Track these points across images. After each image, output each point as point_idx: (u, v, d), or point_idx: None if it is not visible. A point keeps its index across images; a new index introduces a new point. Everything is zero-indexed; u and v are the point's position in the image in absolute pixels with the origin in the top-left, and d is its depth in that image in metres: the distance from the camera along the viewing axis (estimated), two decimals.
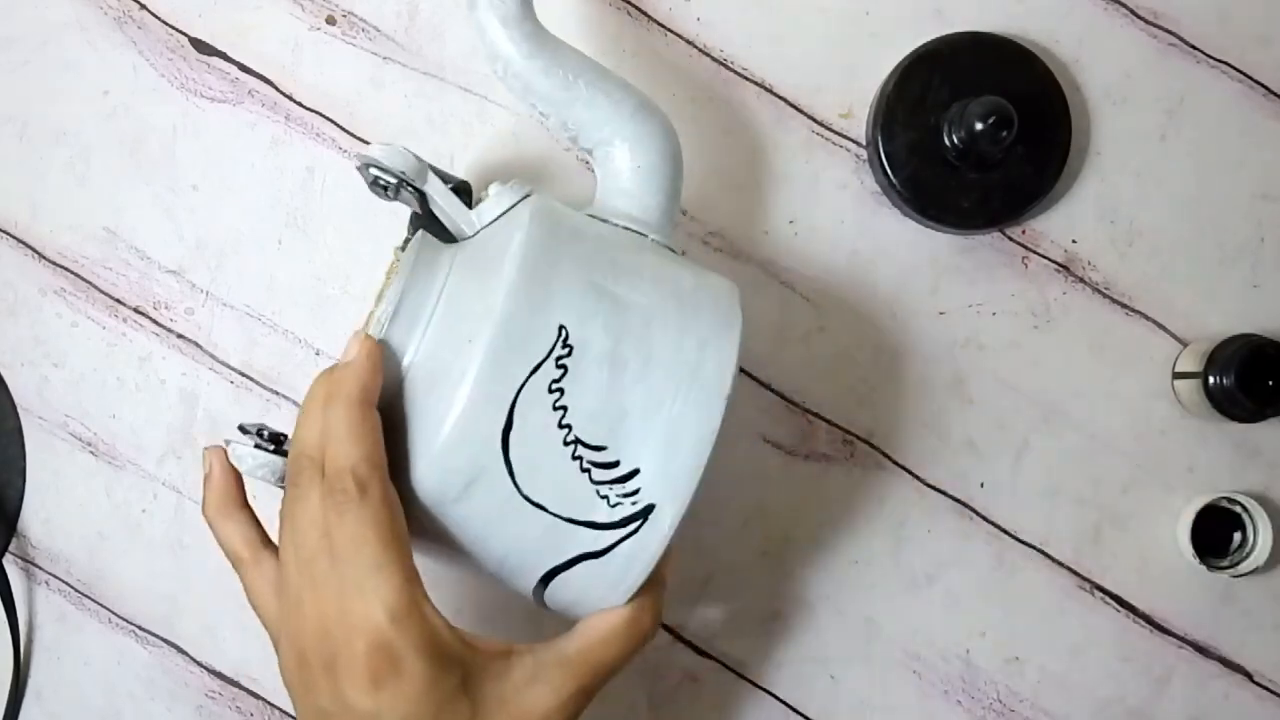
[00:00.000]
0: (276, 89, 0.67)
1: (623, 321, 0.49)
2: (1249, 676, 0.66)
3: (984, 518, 0.66)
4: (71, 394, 0.67)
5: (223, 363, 0.67)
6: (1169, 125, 0.66)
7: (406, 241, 0.57)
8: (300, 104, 0.67)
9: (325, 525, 0.47)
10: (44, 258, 0.67)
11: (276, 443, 0.53)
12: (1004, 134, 0.60)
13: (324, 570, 0.47)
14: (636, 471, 0.48)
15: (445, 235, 0.55)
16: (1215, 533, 0.64)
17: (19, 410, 0.67)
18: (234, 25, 0.67)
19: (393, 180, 0.53)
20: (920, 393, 0.66)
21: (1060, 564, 0.66)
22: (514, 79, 0.54)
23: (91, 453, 0.67)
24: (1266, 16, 0.66)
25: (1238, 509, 0.64)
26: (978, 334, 0.66)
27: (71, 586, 0.67)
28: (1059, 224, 0.66)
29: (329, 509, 0.47)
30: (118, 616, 0.67)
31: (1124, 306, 0.66)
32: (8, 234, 0.67)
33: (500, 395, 0.47)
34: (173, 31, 0.67)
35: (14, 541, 0.67)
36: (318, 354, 0.67)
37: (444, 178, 0.55)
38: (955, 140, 0.62)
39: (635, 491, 0.49)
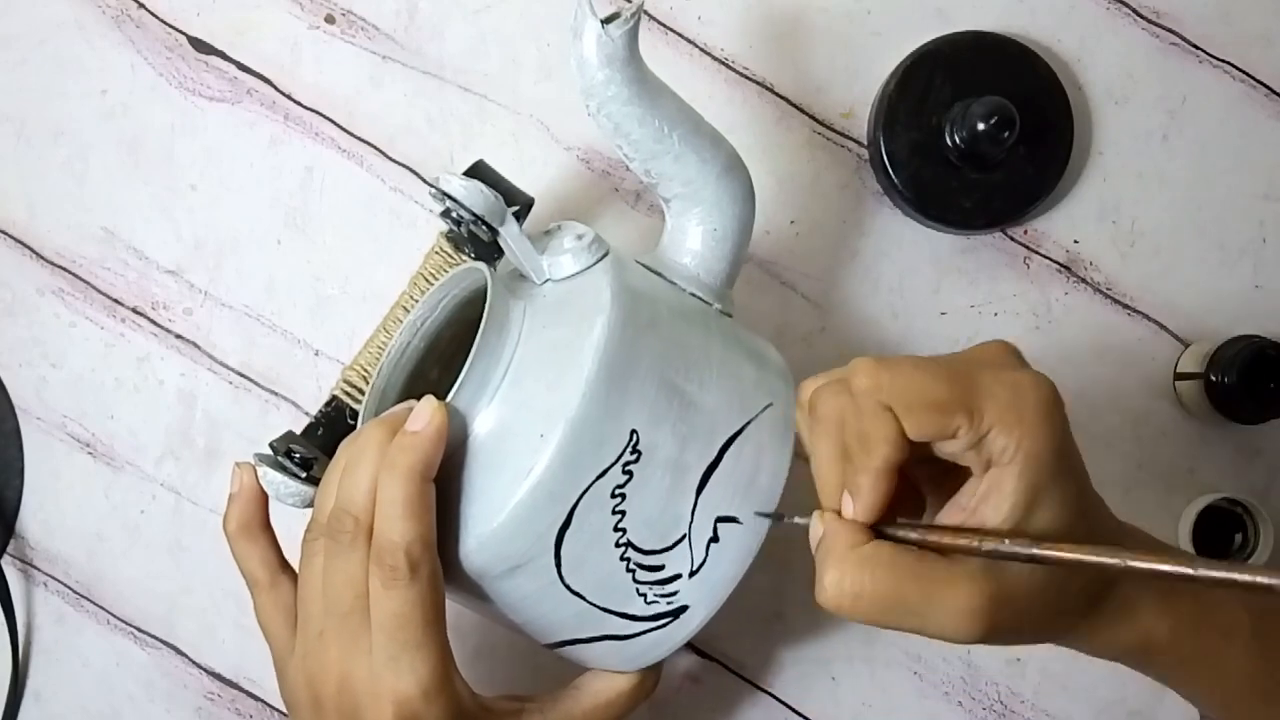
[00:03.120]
0: (275, 88, 0.67)
1: (691, 425, 0.48)
2: None
3: None
4: (70, 394, 0.67)
5: (221, 363, 0.67)
6: (1171, 125, 0.66)
7: (446, 235, 0.57)
8: (299, 103, 0.67)
9: (366, 590, 0.47)
10: (42, 258, 0.67)
11: (307, 468, 0.52)
12: (1006, 134, 0.60)
13: (356, 629, 0.47)
14: (679, 575, 0.49)
15: (490, 251, 0.55)
16: (1217, 534, 0.64)
17: (17, 411, 0.67)
18: (233, 24, 0.67)
19: (467, 217, 0.52)
20: None
21: None
22: (605, 119, 0.51)
23: (90, 453, 0.67)
24: (1268, 16, 0.66)
25: (1239, 510, 0.64)
26: (979, 334, 0.66)
27: (70, 588, 0.67)
28: (1061, 224, 0.66)
29: (374, 577, 0.47)
30: (116, 618, 0.67)
31: (1126, 307, 0.66)
32: (5, 234, 0.67)
33: (563, 495, 0.47)
34: (171, 30, 0.67)
35: (12, 543, 0.67)
36: (317, 354, 0.66)
37: (510, 196, 0.54)
38: (957, 140, 0.62)
39: (674, 593, 0.49)
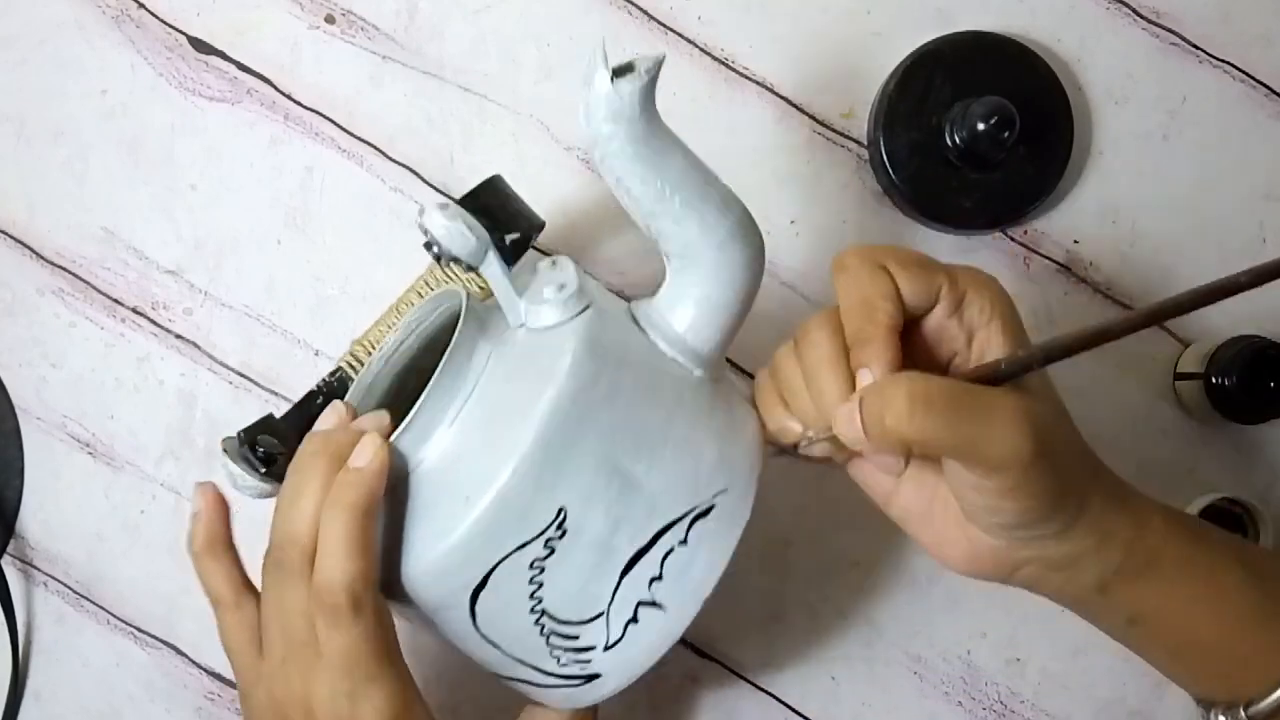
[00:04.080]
0: (275, 88, 0.67)
1: (627, 508, 0.47)
2: None
3: None
4: (70, 394, 0.67)
5: (221, 363, 0.67)
6: (1171, 125, 0.66)
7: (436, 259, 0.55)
8: (299, 103, 0.67)
9: (316, 624, 0.47)
10: (42, 257, 0.67)
11: (269, 463, 0.52)
12: (1006, 134, 0.60)
13: (314, 658, 0.47)
14: (594, 647, 0.49)
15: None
16: None
17: (17, 411, 0.67)
18: (232, 24, 0.67)
19: (446, 254, 0.50)
20: None
21: None
22: (607, 171, 0.49)
23: (90, 453, 0.67)
24: (1268, 16, 0.66)
25: (1239, 510, 0.64)
26: None
27: (70, 588, 0.67)
28: (1061, 224, 0.66)
29: (319, 615, 0.47)
30: (116, 618, 0.67)
31: (1126, 307, 0.66)
32: (5, 234, 0.67)
33: (480, 559, 0.47)
34: (171, 30, 0.67)
35: (12, 543, 0.67)
36: (317, 354, 0.66)
37: (514, 221, 0.53)
38: (957, 140, 0.62)
39: (588, 661, 0.49)
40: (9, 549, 0.67)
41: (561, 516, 0.46)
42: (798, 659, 0.66)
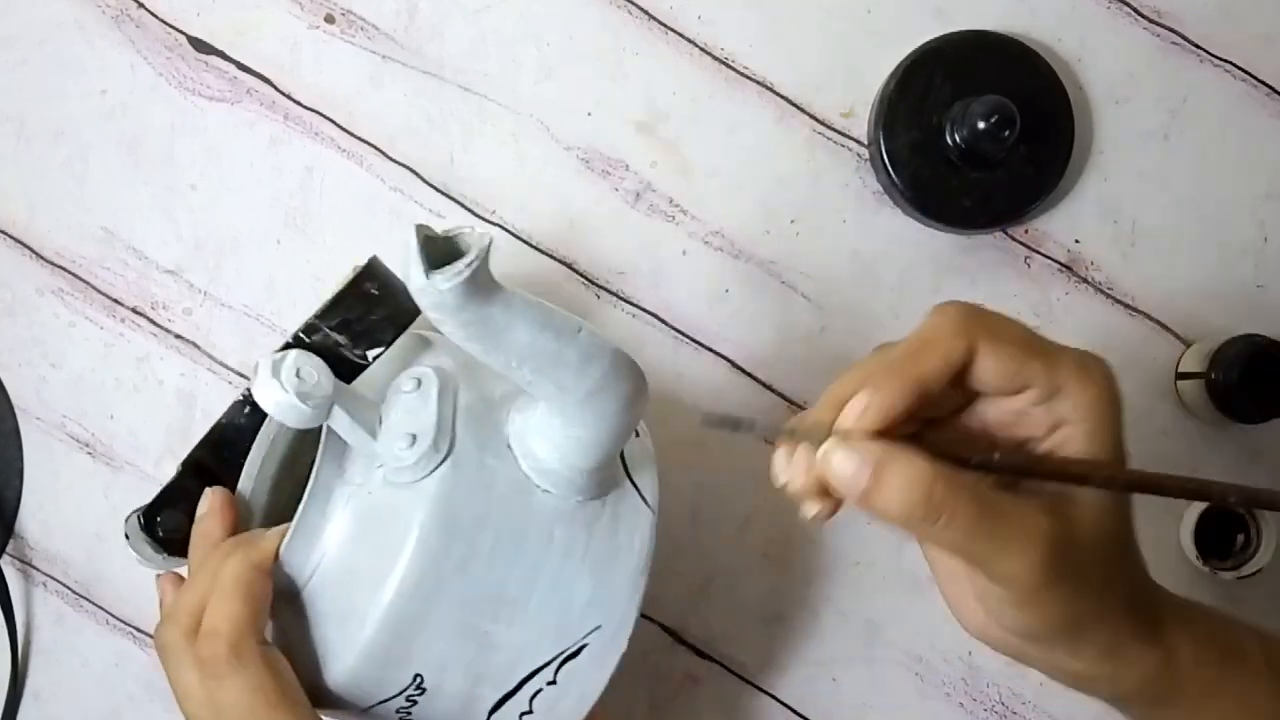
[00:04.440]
0: (275, 88, 0.67)
1: (488, 665, 0.48)
2: None
3: None
4: (69, 394, 0.67)
5: (221, 363, 0.66)
6: (1172, 125, 0.66)
7: (326, 307, 0.52)
8: (299, 103, 0.66)
9: (206, 694, 0.47)
10: (41, 257, 0.67)
11: (171, 542, 0.53)
12: (1006, 133, 0.60)
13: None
14: None
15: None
16: (1219, 534, 0.64)
17: (16, 411, 0.67)
18: (232, 24, 0.67)
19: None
20: None
21: None
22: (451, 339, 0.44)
23: (89, 453, 0.67)
24: (1269, 16, 0.66)
25: (1241, 510, 0.64)
26: None
27: (69, 588, 0.66)
28: (1061, 224, 0.66)
29: (205, 672, 0.47)
30: (116, 618, 0.66)
31: (1127, 307, 0.66)
32: (5, 233, 0.67)
33: (350, 703, 0.48)
34: (171, 30, 0.67)
35: (12, 543, 0.66)
36: None
37: (380, 329, 0.50)
38: (957, 139, 0.62)
39: None
40: (8, 549, 0.66)
41: (418, 680, 0.47)
42: (798, 659, 0.66)
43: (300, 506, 0.48)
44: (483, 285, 0.41)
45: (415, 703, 0.48)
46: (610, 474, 0.50)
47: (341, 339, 0.50)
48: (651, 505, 0.50)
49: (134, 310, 0.67)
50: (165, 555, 0.53)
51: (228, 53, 0.67)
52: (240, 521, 0.52)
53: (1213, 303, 0.65)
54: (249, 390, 0.52)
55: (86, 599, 0.67)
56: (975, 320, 0.40)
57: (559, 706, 0.49)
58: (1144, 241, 0.66)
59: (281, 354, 0.47)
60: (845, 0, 0.66)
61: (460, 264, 0.40)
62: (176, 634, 0.48)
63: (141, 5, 0.67)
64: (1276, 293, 0.66)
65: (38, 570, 0.67)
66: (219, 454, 0.53)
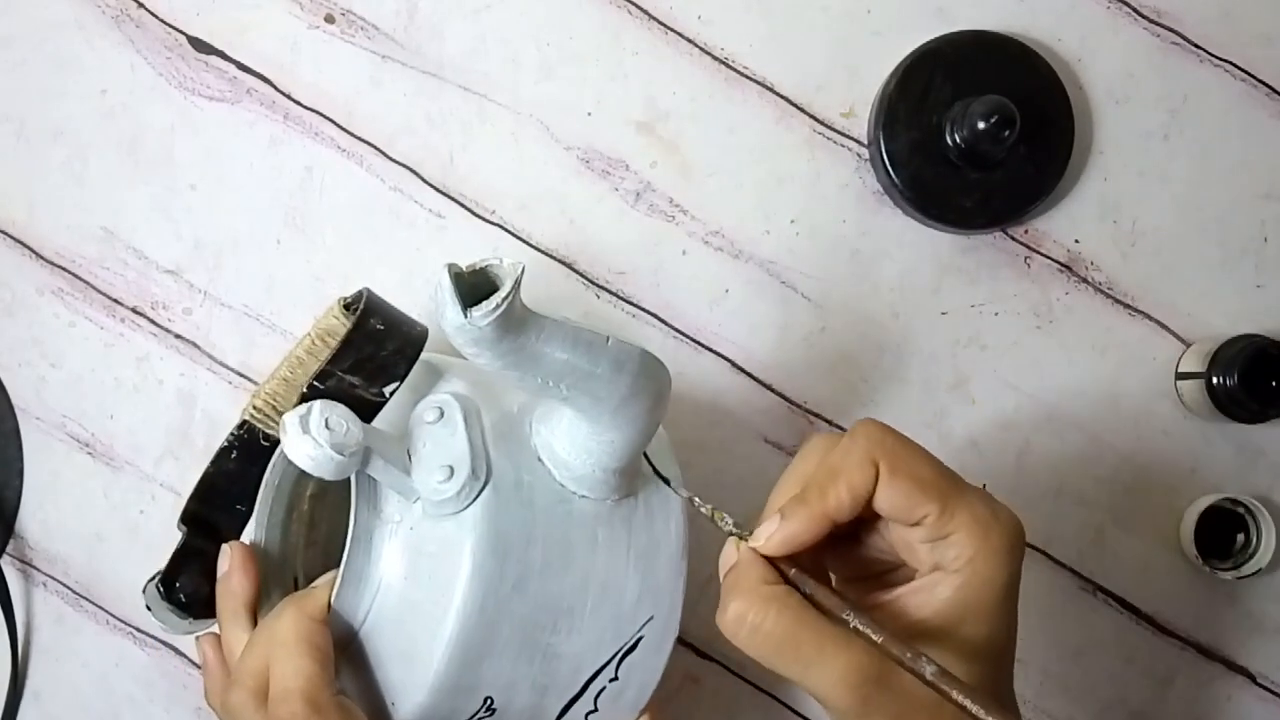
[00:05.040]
0: (275, 88, 0.67)
1: (552, 673, 0.48)
2: (1252, 678, 0.66)
3: None
4: (69, 394, 0.67)
5: (221, 363, 0.66)
6: (1172, 125, 0.66)
7: (342, 304, 0.52)
8: (299, 103, 0.66)
9: None
10: (41, 257, 0.67)
11: (193, 604, 0.54)
12: (1006, 133, 0.60)
13: None
14: None
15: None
16: (1219, 534, 0.64)
17: (16, 411, 0.67)
18: (232, 24, 0.66)
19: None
20: (922, 393, 0.66)
21: (1063, 565, 0.66)
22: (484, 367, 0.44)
23: (89, 453, 0.67)
24: (1269, 16, 0.66)
25: (1241, 510, 0.64)
26: (980, 334, 0.66)
27: (69, 588, 0.66)
28: (1061, 224, 0.66)
29: None
30: (116, 618, 0.66)
31: (1127, 307, 0.66)
32: (5, 233, 0.67)
33: None
34: (171, 30, 0.67)
35: (12, 543, 0.66)
36: None
37: (394, 362, 0.49)
38: (957, 139, 0.62)
39: None
40: (8, 549, 0.66)
41: (488, 703, 0.47)
42: None
43: (344, 554, 0.47)
44: (518, 315, 0.42)
45: None
46: (637, 469, 0.50)
47: (356, 380, 0.49)
48: (679, 490, 0.51)
49: (134, 310, 0.67)
50: (191, 619, 0.54)
51: (227, 53, 0.67)
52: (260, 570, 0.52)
53: (1212, 302, 0.65)
54: (233, 436, 0.53)
55: (86, 599, 0.66)
56: (882, 450, 0.42)
57: (622, 699, 0.50)
58: (1144, 241, 0.66)
59: (305, 407, 0.46)
60: (845, 0, 0.66)
61: (496, 298, 0.40)
62: (244, 697, 0.47)
63: (141, 5, 0.67)
64: (1276, 293, 0.66)
65: (38, 570, 0.67)
66: (214, 504, 0.54)
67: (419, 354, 0.50)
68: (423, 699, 0.46)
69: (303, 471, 0.46)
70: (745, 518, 0.67)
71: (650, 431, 0.48)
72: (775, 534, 0.43)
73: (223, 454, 0.54)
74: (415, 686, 0.47)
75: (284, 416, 0.46)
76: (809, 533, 0.43)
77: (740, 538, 0.45)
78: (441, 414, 0.48)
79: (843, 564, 0.47)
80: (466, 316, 0.40)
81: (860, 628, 0.41)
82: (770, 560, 0.43)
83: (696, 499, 0.48)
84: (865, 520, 0.44)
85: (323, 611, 0.48)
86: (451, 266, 0.40)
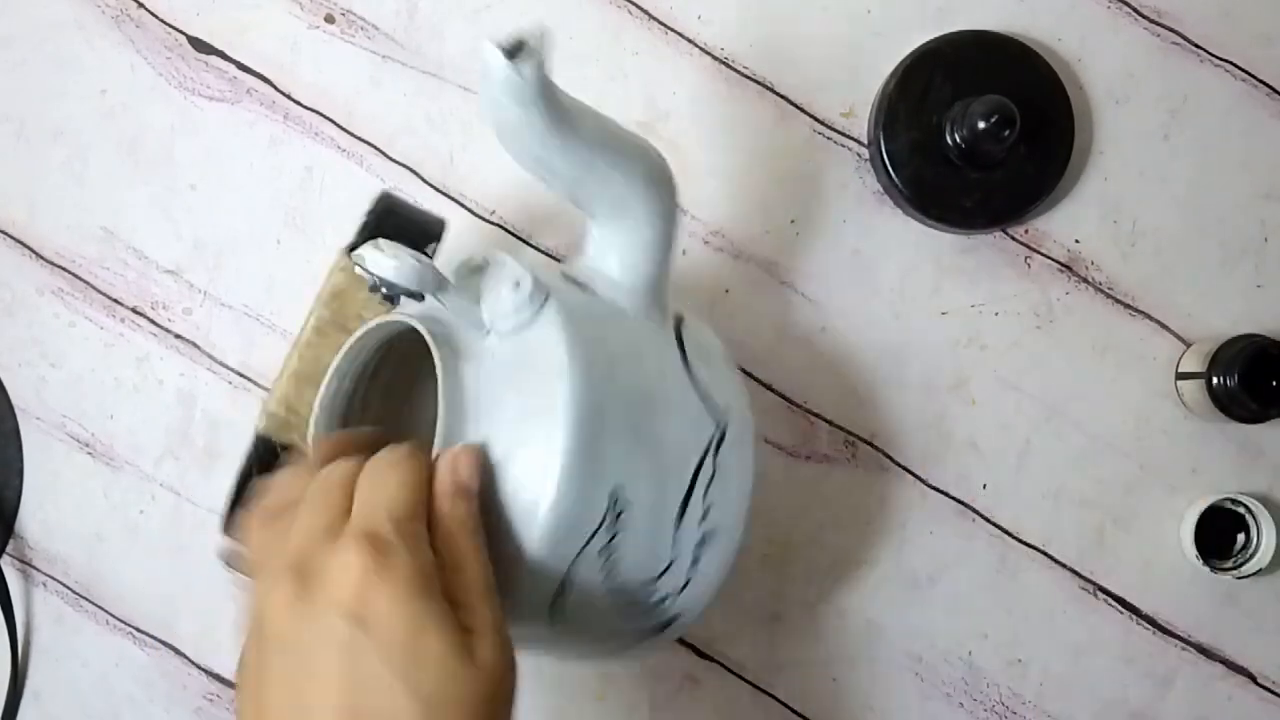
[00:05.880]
0: (275, 88, 0.67)
1: (662, 465, 0.48)
2: (1252, 678, 0.66)
3: (986, 519, 0.66)
4: (69, 394, 0.67)
5: (221, 363, 0.66)
6: (1172, 125, 0.66)
7: (348, 251, 0.54)
8: (299, 103, 0.66)
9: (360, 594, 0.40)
10: (41, 257, 0.67)
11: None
12: (1006, 133, 0.60)
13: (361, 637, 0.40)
14: (667, 596, 0.50)
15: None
16: (1219, 534, 0.64)
17: (16, 411, 0.67)
18: (232, 24, 0.66)
19: (400, 292, 0.48)
20: (922, 393, 0.66)
21: (1063, 565, 0.66)
22: (527, 157, 0.48)
23: (89, 453, 0.67)
24: (1269, 16, 0.66)
25: (1241, 510, 0.64)
26: (980, 334, 0.66)
27: (69, 588, 0.66)
28: (1061, 224, 0.66)
29: (360, 561, 0.40)
30: (115, 618, 0.66)
31: (1127, 307, 0.66)
32: (5, 233, 0.67)
33: (553, 569, 0.46)
34: (171, 30, 0.67)
35: (11, 543, 0.66)
36: None
37: (426, 230, 0.53)
38: (957, 139, 0.62)
39: (665, 609, 0.50)
40: (8, 549, 0.66)
41: (614, 500, 0.46)
42: (798, 660, 0.66)
43: (440, 397, 0.47)
44: (547, 74, 0.44)
45: (615, 533, 0.47)
46: (667, 304, 0.53)
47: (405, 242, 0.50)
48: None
49: (134, 310, 0.67)
50: None
51: (227, 53, 0.67)
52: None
53: (1213, 302, 0.65)
54: (252, 453, 0.54)
55: (86, 599, 0.67)
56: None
57: (727, 492, 0.50)
58: (1144, 241, 0.66)
59: (373, 242, 0.48)
60: (845, 0, 0.66)
61: (532, 46, 0.43)
62: (317, 528, 0.42)
63: (141, 5, 0.67)
64: (1277, 293, 0.65)
65: (38, 570, 0.67)
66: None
67: (445, 227, 0.54)
68: (553, 495, 0.45)
69: (364, 364, 0.51)
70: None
71: (672, 226, 0.52)
72: None
73: (246, 471, 0.55)
74: (543, 484, 0.45)
75: (360, 250, 0.47)
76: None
77: None
78: (486, 261, 0.50)
79: None
80: (513, 67, 0.43)
81: None
82: None
83: None
84: None
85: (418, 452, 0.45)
86: (491, 41, 0.43)
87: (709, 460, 0.49)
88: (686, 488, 0.49)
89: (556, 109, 0.46)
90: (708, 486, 0.49)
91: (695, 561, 0.50)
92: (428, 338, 0.48)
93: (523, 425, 0.46)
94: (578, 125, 0.47)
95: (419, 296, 0.48)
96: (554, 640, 0.50)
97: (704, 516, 0.49)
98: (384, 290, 0.47)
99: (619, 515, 0.47)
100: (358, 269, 0.47)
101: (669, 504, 0.48)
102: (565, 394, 0.45)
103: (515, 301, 0.48)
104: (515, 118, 0.45)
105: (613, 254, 0.51)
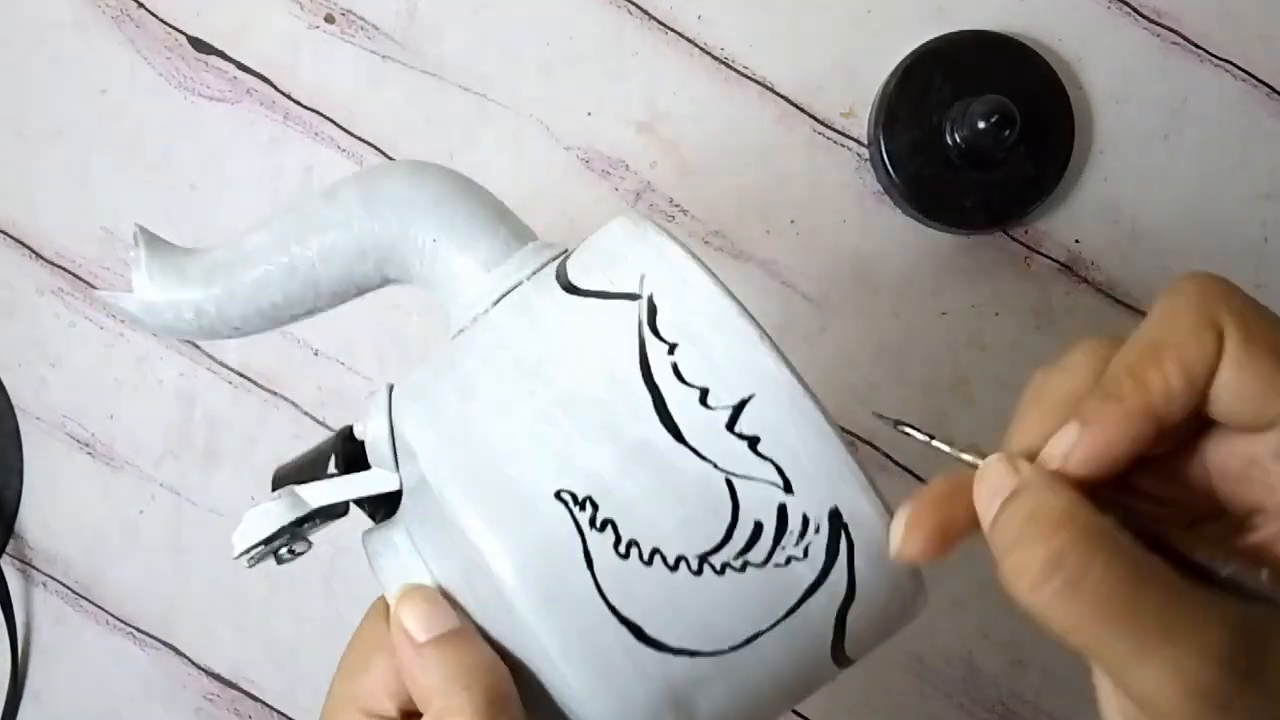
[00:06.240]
0: (275, 88, 0.67)
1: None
2: None
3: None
4: (69, 394, 0.67)
5: (220, 363, 0.66)
6: (1172, 124, 0.66)
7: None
8: (299, 103, 0.66)
9: None
10: (41, 257, 0.67)
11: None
12: (1006, 133, 0.60)
13: None
14: (774, 489, 0.37)
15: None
16: None
17: (16, 411, 0.67)
18: (232, 24, 0.66)
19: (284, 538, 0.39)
20: (922, 393, 0.66)
21: None
22: (234, 326, 0.41)
23: (89, 454, 0.67)
24: (1270, 15, 0.66)
25: None
26: (980, 334, 0.66)
27: (69, 588, 0.66)
28: (1062, 224, 0.66)
29: None
30: (116, 618, 0.66)
31: (1127, 307, 0.66)
32: (5, 233, 0.67)
33: (589, 623, 0.35)
34: (171, 30, 0.67)
35: (11, 543, 0.66)
36: (316, 354, 0.66)
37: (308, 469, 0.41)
38: (957, 139, 0.62)
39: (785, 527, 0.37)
40: (8, 549, 0.66)
41: (571, 498, 0.36)
42: None
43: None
44: (167, 262, 0.42)
45: (611, 521, 0.35)
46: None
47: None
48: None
49: None
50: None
51: (228, 52, 0.67)
52: None
53: None
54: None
55: (87, 599, 0.66)
56: (1225, 308, 0.29)
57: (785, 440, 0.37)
58: (1144, 241, 0.66)
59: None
60: (846, 0, 0.66)
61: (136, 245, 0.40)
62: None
63: (141, 5, 0.67)
64: (1277, 293, 0.65)
65: (38, 570, 0.67)
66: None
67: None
68: (491, 560, 0.35)
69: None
70: None
71: (467, 194, 0.43)
72: (1077, 446, 0.29)
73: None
74: (468, 544, 0.35)
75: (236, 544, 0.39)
76: (1127, 440, 0.29)
77: (1020, 458, 0.31)
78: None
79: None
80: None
81: (1242, 579, 0.26)
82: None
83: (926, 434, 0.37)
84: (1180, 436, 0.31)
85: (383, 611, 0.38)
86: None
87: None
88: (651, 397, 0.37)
89: (185, 277, 0.40)
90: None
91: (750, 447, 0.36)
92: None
93: (422, 523, 0.39)
94: (250, 265, 0.41)
95: (309, 524, 0.39)
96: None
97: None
98: (285, 549, 0.40)
99: (594, 506, 0.36)
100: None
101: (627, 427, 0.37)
102: (423, 462, 0.37)
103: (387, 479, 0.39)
104: (172, 321, 0.40)
105: (449, 269, 0.42)
